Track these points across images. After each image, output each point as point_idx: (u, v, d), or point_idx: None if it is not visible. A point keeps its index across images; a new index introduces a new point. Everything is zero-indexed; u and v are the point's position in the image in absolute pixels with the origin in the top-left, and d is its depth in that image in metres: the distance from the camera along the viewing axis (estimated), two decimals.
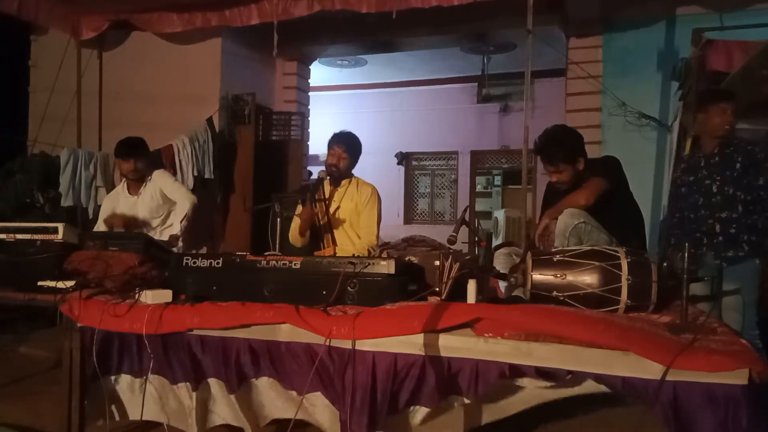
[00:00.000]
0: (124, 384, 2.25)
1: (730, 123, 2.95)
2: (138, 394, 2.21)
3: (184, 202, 3.88)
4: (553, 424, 2.71)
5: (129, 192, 3.93)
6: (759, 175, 2.87)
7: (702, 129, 3.06)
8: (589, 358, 1.55)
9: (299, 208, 3.34)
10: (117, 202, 3.94)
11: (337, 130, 3.48)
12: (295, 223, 3.32)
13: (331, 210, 3.32)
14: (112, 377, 2.24)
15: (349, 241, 3.29)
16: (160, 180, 3.92)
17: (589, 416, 2.73)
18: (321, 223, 3.29)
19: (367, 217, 3.34)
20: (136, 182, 3.90)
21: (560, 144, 2.67)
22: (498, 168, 10.01)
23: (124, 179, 4.00)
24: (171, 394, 2.15)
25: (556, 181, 2.73)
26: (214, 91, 5.81)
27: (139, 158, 3.85)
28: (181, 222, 3.83)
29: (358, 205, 3.34)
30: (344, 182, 3.40)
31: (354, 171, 3.50)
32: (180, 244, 3.91)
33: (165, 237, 3.78)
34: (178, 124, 5.59)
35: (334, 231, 3.31)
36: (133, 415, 2.24)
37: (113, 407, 2.27)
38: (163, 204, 3.90)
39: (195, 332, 2.02)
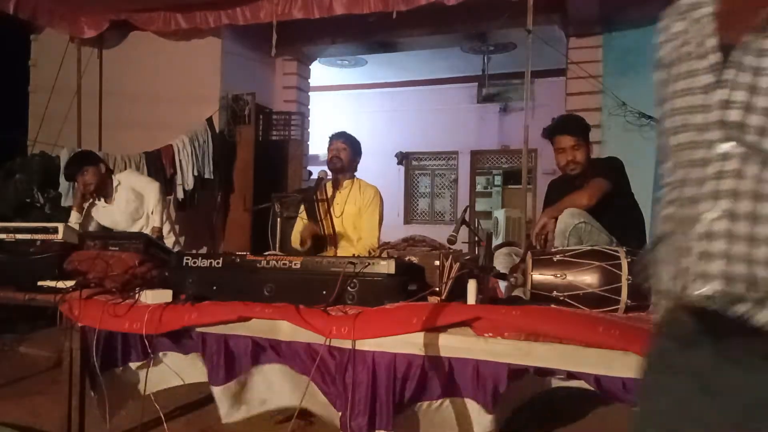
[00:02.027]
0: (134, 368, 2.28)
1: None
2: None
3: (149, 192, 3.86)
4: (554, 423, 2.71)
5: (105, 201, 3.91)
6: None
7: None
8: (589, 359, 1.55)
9: (302, 209, 3.32)
10: (96, 214, 3.92)
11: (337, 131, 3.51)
12: (298, 226, 3.31)
13: (337, 212, 3.32)
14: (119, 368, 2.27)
15: (352, 247, 3.28)
16: (127, 180, 3.92)
17: (592, 416, 2.73)
18: (324, 232, 3.28)
19: (368, 219, 3.33)
20: (105, 191, 3.87)
21: (577, 120, 2.69)
22: (498, 168, 10.01)
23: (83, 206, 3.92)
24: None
25: (571, 160, 2.68)
26: (214, 91, 5.81)
27: (87, 170, 3.80)
28: (152, 213, 3.82)
29: (361, 208, 3.33)
30: (347, 183, 3.39)
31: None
32: (172, 237, 3.90)
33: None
34: (178, 124, 5.59)
35: (337, 235, 3.30)
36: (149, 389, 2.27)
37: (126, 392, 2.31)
38: (140, 204, 3.88)
39: (197, 330, 2.03)
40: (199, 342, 2.03)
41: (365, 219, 3.33)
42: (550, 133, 2.77)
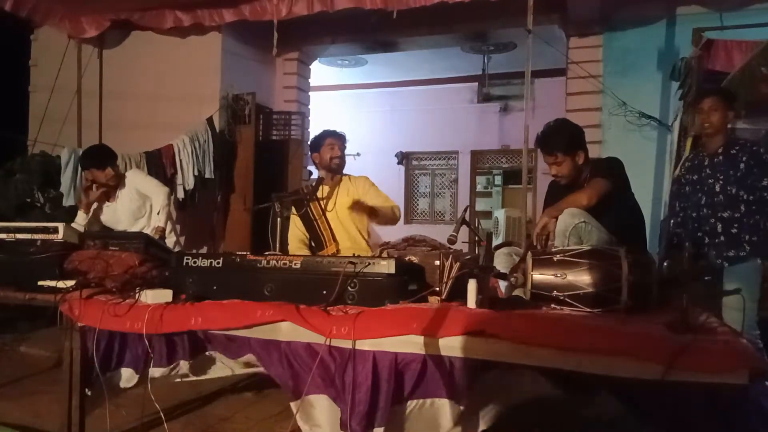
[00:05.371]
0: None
1: (710, 122, 2.96)
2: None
3: (157, 195, 3.87)
4: (551, 424, 2.71)
5: (108, 200, 3.90)
6: (763, 176, 2.86)
7: (696, 129, 3.11)
8: (590, 359, 1.55)
9: (294, 210, 3.31)
10: (100, 213, 3.92)
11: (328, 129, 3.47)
12: (294, 230, 3.30)
13: (329, 207, 3.31)
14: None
15: (347, 237, 3.28)
16: (133, 179, 3.92)
17: (587, 417, 2.73)
18: (321, 228, 3.27)
19: (375, 195, 3.31)
20: (112, 189, 3.87)
21: (559, 134, 2.69)
22: (498, 168, 10.01)
23: (91, 207, 3.89)
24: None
25: (555, 174, 2.73)
26: (214, 90, 5.81)
27: (113, 164, 3.84)
28: (158, 213, 3.83)
29: (360, 195, 3.32)
30: (336, 178, 3.39)
31: (353, 170, 3.50)
32: (173, 237, 3.91)
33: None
34: (178, 124, 5.59)
35: (334, 229, 3.30)
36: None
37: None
38: (143, 204, 3.89)
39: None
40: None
41: (373, 196, 3.30)
42: (536, 145, 2.80)
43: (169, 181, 5.35)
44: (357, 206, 3.24)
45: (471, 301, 1.88)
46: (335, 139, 3.35)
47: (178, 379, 2.25)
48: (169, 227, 3.90)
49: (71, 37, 5.90)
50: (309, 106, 7.08)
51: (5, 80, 6.46)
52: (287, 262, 2.06)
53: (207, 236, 5.77)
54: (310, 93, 7.18)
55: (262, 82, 6.45)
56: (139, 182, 3.92)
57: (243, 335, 1.96)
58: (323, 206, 3.30)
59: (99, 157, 3.84)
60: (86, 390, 2.27)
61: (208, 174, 5.64)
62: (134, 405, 2.38)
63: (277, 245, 2.79)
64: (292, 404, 1.88)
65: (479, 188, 9.93)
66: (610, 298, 1.84)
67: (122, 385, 2.26)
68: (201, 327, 1.99)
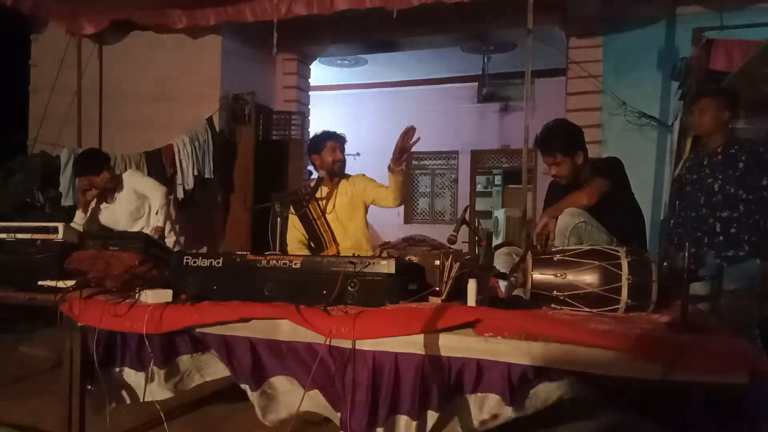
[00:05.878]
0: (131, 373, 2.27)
1: (704, 123, 2.95)
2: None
3: (155, 195, 3.88)
4: (557, 425, 2.71)
5: (106, 201, 3.91)
6: (763, 176, 2.85)
7: (694, 129, 3.12)
8: (590, 359, 1.55)
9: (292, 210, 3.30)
10: (99, 214, 3.93)
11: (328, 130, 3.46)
12: (293, 232, 3.29)
13: (329, 208, 3.31)
14: (117, 368, 2.26)
15: (348, 237, 3.28)
16: (131, 180, 3.93)
17: (593, 418, 2.72)
18: (321, 230, 3.28)
19: (375, 186, 3.28)
20: (110, 191, 3.88)
21: (558, 135, 2.69)
22: (498, 167, 10.01)
23: (89, 206, 3.91)
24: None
25: (554, 174, 2.74)
26: (214, 90, 5.81)
27: (108, 167, 3.87)
28: (156, 213, 3.83)
29: (354, 196, 3.32)
30: (335, 180, 3.39)
31: (353, 170, 3.50)
32: (172, 237, 3.91)
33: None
34: (178, 124, 5.59)
35: (334, 230, 3.30)
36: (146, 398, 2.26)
37: (123, 392, 2.30)
38: (142, 204, 3.90)
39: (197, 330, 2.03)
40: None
41: (374, 188, 3.27)
42: (535, 146, 2.80)
43: (169, 181, 5.35)
44: (397, 160, 3.02)
45: (471, 301, 1.88)
46: (336, 141, 3.33)
47: (181, 387, 2.25)
48: (168, 227, 3.90)
49: (71, 33, 5.89)
50: (309, 106, 7.08)
51: (5, 80, 6.45)
52: (287, 262, 2.06)
53: (207, 236, 5.76)
54: (310, 93, 7.18)
55: (262, 82, 6.45)
56: (136, 183, 3.92)
57: (243, 335, 1.96)
58: (323, 207, 3.29)
59: (92, 162, 3.85)
60: (88, 386, 2.28)
61: (208, 174, 5.64)
62: (134, 405, 2.38)
63: (277, 245, 2.79)
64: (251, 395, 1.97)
65: (479, 188, 9.93)
66: (610, 298, 1.84)
67: (130, 382, 2.26)
68: (198, 322, 1.99)
